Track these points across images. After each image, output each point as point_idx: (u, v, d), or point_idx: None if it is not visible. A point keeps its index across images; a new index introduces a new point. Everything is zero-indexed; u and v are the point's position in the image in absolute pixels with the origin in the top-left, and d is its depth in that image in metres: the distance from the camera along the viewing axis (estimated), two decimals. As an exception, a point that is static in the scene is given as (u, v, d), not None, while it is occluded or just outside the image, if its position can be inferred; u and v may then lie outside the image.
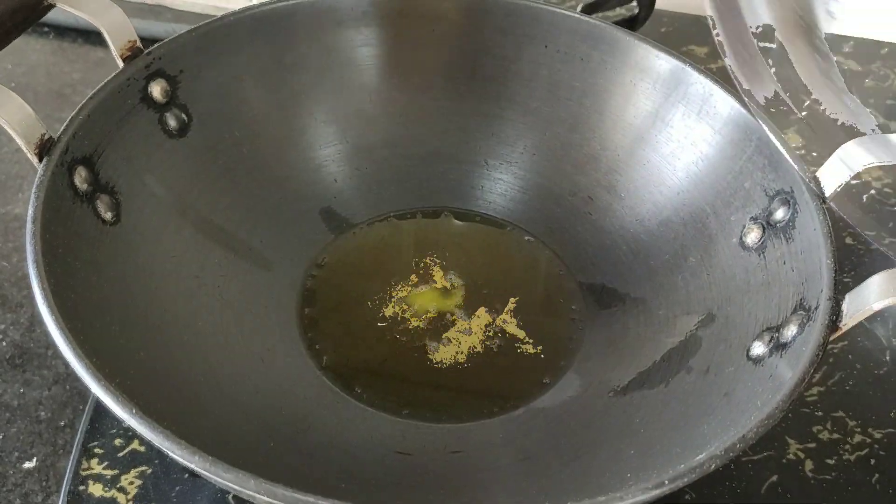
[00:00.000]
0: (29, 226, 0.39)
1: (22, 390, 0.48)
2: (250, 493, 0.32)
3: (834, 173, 0.41)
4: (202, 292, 0.48)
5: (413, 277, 0.53)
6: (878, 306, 0.36)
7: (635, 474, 0.39)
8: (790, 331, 0.40)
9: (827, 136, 0.45)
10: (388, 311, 0.51)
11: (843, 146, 0.41)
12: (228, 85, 0.52)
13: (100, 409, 0.45)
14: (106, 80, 0.46)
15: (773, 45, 0.48)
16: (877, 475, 0.46)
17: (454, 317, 0.51)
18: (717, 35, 0.46)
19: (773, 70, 0.46)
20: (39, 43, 0.71)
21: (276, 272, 0.51)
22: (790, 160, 0.44)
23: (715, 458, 0.33)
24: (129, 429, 0.34)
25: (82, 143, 0.43)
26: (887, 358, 0.51)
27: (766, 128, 0.46)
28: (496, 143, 0.57)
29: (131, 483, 0.43)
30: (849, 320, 0.37)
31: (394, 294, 0.52)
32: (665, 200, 0.52)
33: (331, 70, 0.55)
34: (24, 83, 0.67)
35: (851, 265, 0.56)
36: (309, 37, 0.54)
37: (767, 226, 0.45)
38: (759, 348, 0.41)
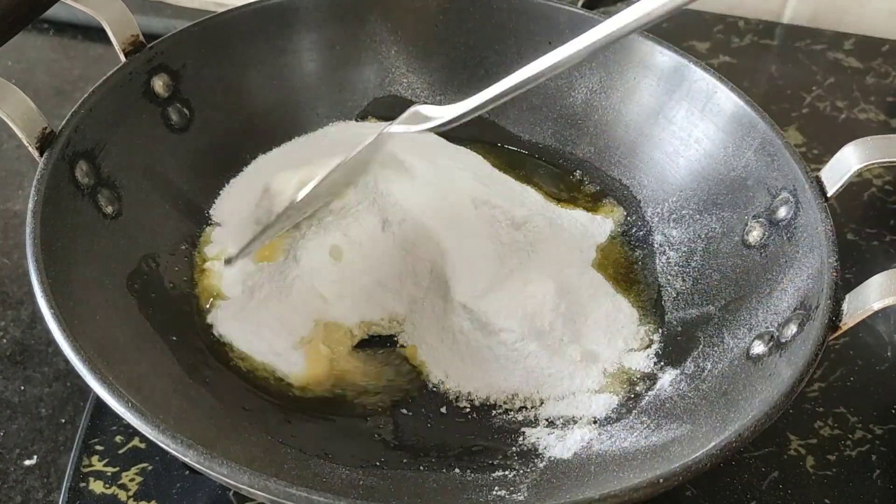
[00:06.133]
0: (29, 219, 0.39)
1: (23, 387, 0.48)
2: (244, 486, 0.32)
3: (836, 172, 0.41)
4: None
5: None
6: (878, 306, 0.36)
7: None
8: (790, 330, 0.39)
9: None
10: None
11: (845, 146, 0.41)
12: (230, 80, 0.52)
13: (100, 405, 0.45)
14: (108, 75, 0.46)
15: None
16: (878, 471, 0.46)
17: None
18: None
19: None
20: (39, 40, 0.71)
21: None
22: (792, 159, 0.44)
23: (711, 456, 0.33)
24: (129, 426, 0.33)
25: (84, 137, 0.43)
26: (889, 354, 0.51)
27: (768, 126, 0.46)
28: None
29: (132, 480, 0.43)
30: (848, 320, 0.37)
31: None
32: (667, 198, 0.52)
33: (333, 65, 0.55)
34: (24, 80, 0.67)
35: (853, 261, 0.56)
36: (311, 31, 0.54)
37: (769, 224, 0.45)
38: (758, 347, 0.41)
